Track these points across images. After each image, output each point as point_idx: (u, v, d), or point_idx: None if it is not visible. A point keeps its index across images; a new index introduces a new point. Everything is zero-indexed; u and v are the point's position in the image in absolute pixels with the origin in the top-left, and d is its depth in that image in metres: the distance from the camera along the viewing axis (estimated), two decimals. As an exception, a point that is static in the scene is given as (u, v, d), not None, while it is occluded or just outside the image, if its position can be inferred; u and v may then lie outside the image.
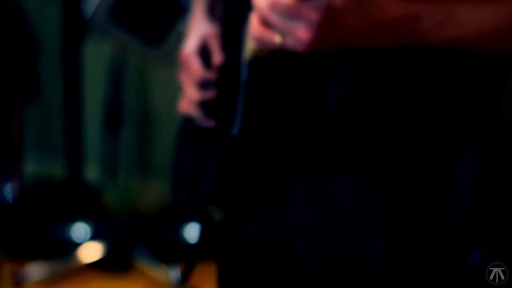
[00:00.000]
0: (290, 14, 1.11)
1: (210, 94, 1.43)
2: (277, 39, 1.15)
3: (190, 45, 1.46)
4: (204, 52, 1.45)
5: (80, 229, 3.47)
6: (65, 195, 3.68)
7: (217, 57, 1.42)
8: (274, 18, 1.13)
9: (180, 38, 2.84)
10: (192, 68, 1.44)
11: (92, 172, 3.74)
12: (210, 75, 1.42)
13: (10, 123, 3.21)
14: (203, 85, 1.43)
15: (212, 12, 1.53)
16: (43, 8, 3.96)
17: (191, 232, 3.47)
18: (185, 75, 1.46)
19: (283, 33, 1.14)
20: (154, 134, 3.92)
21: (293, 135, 1.32)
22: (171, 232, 3.52)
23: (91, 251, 3.35)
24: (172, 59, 2.91)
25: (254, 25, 1.17)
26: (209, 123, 1.45)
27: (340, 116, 1.28)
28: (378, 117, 1.27)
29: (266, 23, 1.15)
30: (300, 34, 1.12)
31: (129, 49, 3.10)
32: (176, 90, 3.96)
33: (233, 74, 1.36)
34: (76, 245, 3.37)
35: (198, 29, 1.50)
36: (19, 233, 3.36)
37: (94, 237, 3.43)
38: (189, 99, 1.45)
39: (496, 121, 1.34)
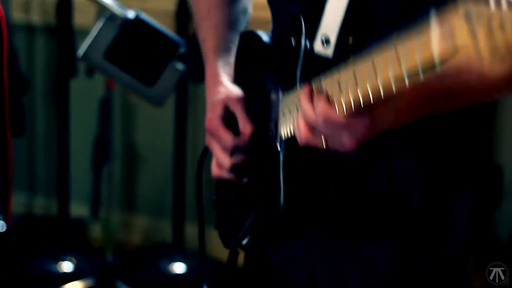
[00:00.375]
0: (340, 127, 1.20)
1: (240, 158, 1.49)
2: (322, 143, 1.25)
3: (215, 111, 1.51)
4: (228, 116, 1.50)
5: (65, 265, 3.49)
6: (50, 231, 3.69)
7: (245, 127, 1.47)
8: (323, 127, 1.22)
9: (174, 77, 2.89)
10: (221, 138, 1.49)
11: (77, 208, 3.76)
12: (240, 142, 1.48)
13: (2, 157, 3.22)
14: (234, 151, 1.49)
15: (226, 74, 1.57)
16: (31, 45, 4.00)
17: (174, 268, 3.51)
18: (214, 142, 1.51)
19: (328, 139, 1.24)
20: (138, 171, 3.95)
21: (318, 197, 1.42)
22: (155, 268, 3.55)
23: (76, 286, 3.37)
24: (165, 98, 2.94)
25: (301, 130, 1.25)
26: (242, 181, 1.51)
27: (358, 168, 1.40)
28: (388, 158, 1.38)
29: (313, 129, 1.24)
30: (346, 142, 1.22)
31: (123, 86, 3.13)
32: (160, 127, 3.97)
33: (263, 145, 1.44)
34: (61, 281, 3.39)
35: (216, 90, 1.54)
36: (5, 269, 3.35)
37: (79, 272, 3.45)
38: (221, 164, 1.51)
39: (496, 122, 1.42)
